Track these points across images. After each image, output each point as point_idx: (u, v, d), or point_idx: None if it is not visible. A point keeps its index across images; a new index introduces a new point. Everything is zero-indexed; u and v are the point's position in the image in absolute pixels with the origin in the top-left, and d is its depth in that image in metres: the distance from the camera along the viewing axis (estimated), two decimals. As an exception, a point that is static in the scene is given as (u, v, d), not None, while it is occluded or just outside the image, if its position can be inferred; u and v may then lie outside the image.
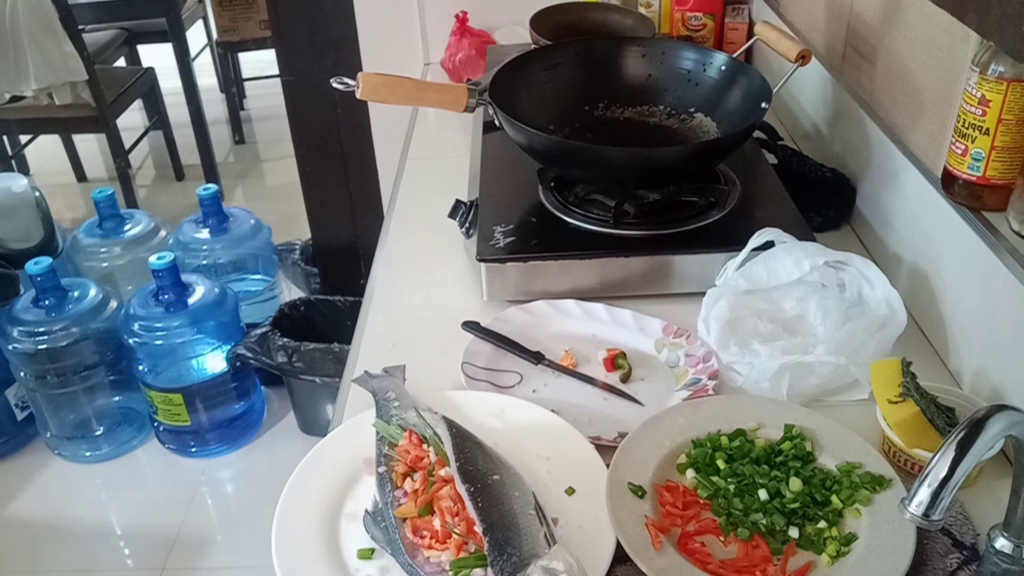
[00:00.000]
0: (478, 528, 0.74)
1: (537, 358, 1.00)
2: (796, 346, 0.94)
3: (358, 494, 0.84)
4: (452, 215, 1.16)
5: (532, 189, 1.19)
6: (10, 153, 3.31)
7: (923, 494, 0.59)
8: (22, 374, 2.16)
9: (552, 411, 0.91)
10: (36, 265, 2.06)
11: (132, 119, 3.56)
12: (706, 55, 1.28)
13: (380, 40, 1.99)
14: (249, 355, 2.12)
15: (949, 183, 0.95)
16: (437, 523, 0.77)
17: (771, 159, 1.31)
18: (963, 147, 0.91)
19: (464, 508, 0.77)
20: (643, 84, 1.32)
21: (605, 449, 0.85)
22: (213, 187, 2.40)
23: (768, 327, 0.99)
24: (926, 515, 0.59)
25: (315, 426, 2.25)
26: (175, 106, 3.51)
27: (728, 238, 1.06)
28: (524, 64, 1.27)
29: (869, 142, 1.17)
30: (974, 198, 0.92)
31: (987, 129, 0.88)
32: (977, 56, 0.87)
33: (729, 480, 0.81)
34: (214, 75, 4.29)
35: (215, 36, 3.98)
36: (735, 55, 1.29)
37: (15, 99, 2.89)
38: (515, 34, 1.85)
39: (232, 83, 3.95)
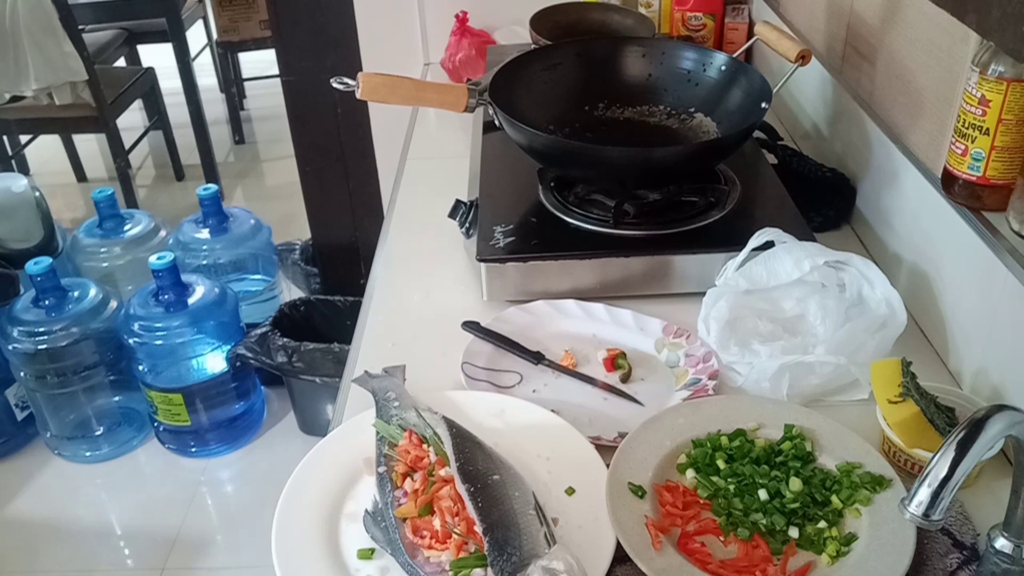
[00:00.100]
0: (478, 528, 0.74)
1: (537, 358, 1.00)
2: (796, 346, 0.94)
3: (358, 494, 0.84)
4: (452, 215, 1.16)
5: (532, 189, 1.19)
6: (10, 153, 3.31)
7: (923, 494, 0.59)
8: (22, 374, 2.16)
9: (552, 411, 0.91)
10: (36, 265, 2.06)
11: (132, 119, 3.56)
12: (706, 55, 1.28)
13: (380, 40, 1.99)
14: (249, 355, 2.12)
15: (949, 183, 0.95)
16: (437, 523, 0.77)
17: (771, 159, 1.31)
18: (963, 147, 0.91)
19: (464, 508, 0.77)
20: (643, 84, 1.32)
21: (605, 449, 0.85)
22: (213, 187, 2.40)
23: (768, 327, 0.99)
24: (926, 515, 0.59)
25: (315, 426, 2.25)
26: (175, 106, 3.51)
27: (728, 238, 1.06)
28: (524, 64, 1.27)
29: (869, 142, 1.17)
30: (974, 198, 0.92)
31: (987, 129, 0.88)
32: (977, 56, 0.87)
33: (729, 480, 0.81)
34: (214, 75, 4.29)
35: (215, 36, 3.98)
36: (735, 55, 1.29)
37: (15, 99, 2.89)
38: (515, 34, 1.85)
39: (232, 83, 3.95)
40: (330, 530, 0.80)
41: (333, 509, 0.82)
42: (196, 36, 4.32)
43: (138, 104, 3.49)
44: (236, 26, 3.73)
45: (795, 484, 0.79)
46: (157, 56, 3.73)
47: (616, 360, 0.99)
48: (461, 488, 0.77)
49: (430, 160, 1.54)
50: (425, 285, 1.16)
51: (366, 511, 0.81)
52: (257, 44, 3.75)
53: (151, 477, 2.24)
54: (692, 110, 1.28)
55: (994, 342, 0.87)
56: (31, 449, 2.30)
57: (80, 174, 3.67)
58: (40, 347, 2.07)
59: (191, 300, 2.10)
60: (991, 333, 0.87)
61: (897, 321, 0.93)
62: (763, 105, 1.13)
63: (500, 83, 1.20)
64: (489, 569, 0.71)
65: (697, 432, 0.86)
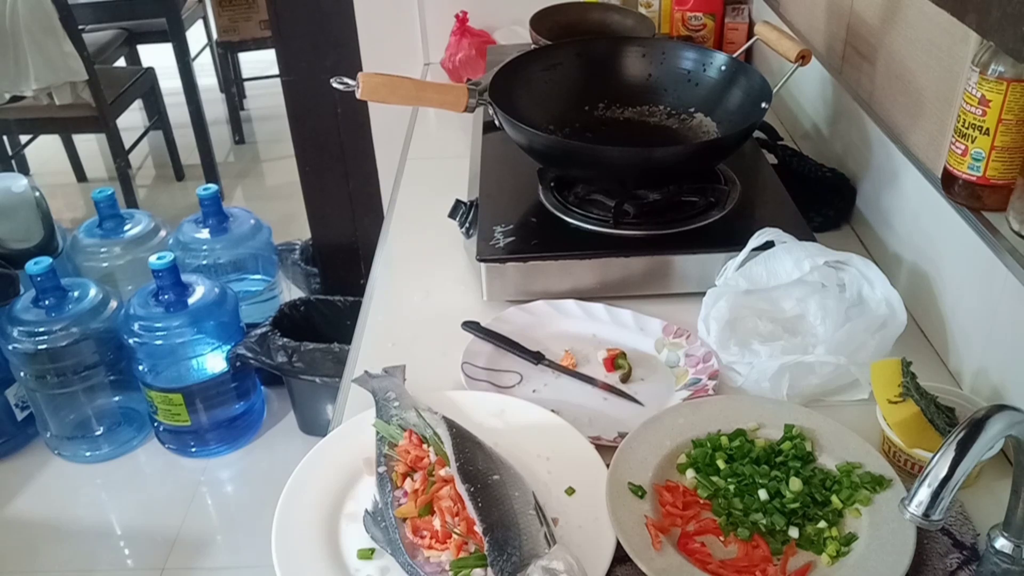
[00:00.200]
0: (478, 528, 0.74)
1: (537, 358, 1.00)
2: (796, 346, 0.94)
3: (358, 494, 0.84)
4: (452, 215, 1.16)
5: (532, 189, 1.19)
6: (10, 153, 3.31)
7: (923, 494, 0.59)
8: (22, 374, 2.16)
9: (552, 411, 0.91)
10: (36, 265, 2.06)
11: (132, 119, 3.56)
12: (706, 55, 1.28)
13: (380, 40, 1.99)
14: (249, 355, 2.12)
15: (949, 183, 0.95)
16: (437, 523, 0.77)
17: (771, 159, 1.31)
18: (963, 147, 0.91)
19: (464, 508, 0.77)
20: (643, 84, 1.32)
21: (605, 449, 0.85)
22: (213, 187, 2.40)
23: (768, 327, 0.99)
24: (926, 515, 0.59)
25: (315, 426, 2.25)
26: (175, 106, 3.51)
27: (728, 238, 1.06)
28: (524, 64, 1.27)
29: (869, 142, 1.17)
30: (974, 198, 0.92)
31: (987, 129, 0.88)
32: (977, 56, 0.87)
33: (729, 480, 0.81)
34: (214, 75, 4.29)
35: (215, 36, 3.98)
36: (735, 55, 1.29)
37: (15, 99, 2.89)
38: (515, 34, 1.85)
39: (232, 83, 3.95)
40: (330, 530, 0.80)
41: (333, 509, 0.82)
42: (196, 36, 4.32)
43: (138, 104, 3.49)
44: (236, 26, 3.73)
45: (795, 484, 0.79)
46: (157, 56, 3.73)
47: (616, 360, 0.99)
48: (461, 488, 0.77)
49: (430, 160, 1.54)
50: (425, 285, 1.16)
51: (366, 511, 0.81)
52: (257, 44, 3.75)
53: (151, 477, 2.24)
54: (692, 110, 1.28)
55: (994, 342, 0.87)
56: (31, 449, 2.30)
57: (80, 174, 3.67)
58: (40, 347, 2.07)
59: (191, 300, 2.10)
60: (991, 333, 0.87)
61: (897, 321, 0.93)
62: (763, 105, 1.13)
63: (500, 83, 1.20)
64: (489, 569, 0.71)
65: (697, 432, 0.86)
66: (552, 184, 1.18)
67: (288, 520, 0.81)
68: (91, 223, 2.47)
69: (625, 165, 1.11)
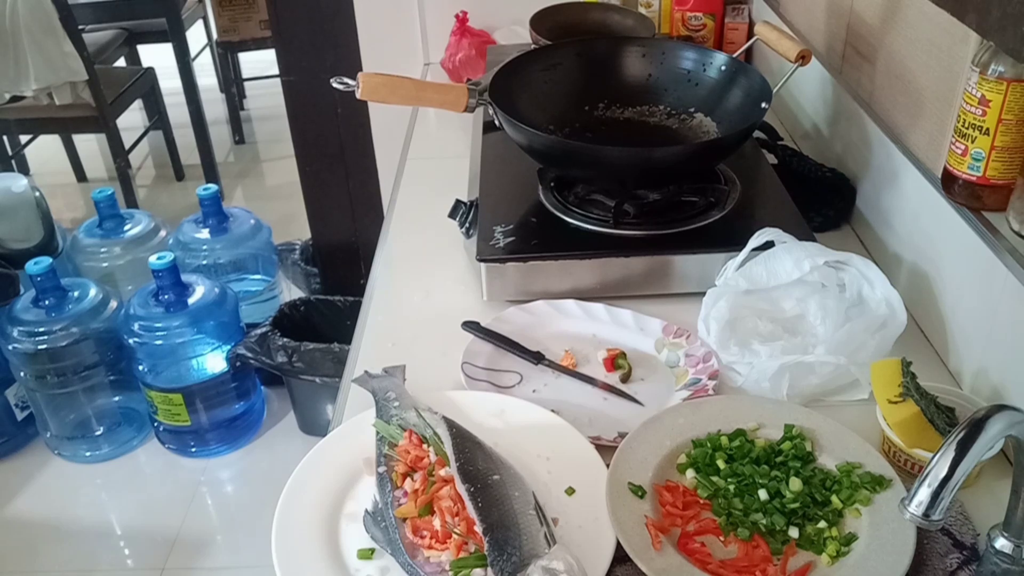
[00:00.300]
0: (478, 528, 0.74)
1: (537, 358, 1.00)
2: (796, 346, 0.94)
3: (358, 494, 0.84)
4: (452, 215, 1.16)
5: (532, 189, 1.19)
6: (10, 153, 3.31)
7: (923, 494, 0.59)
8: (22, 374, 2.16)
9: (552, 411, 0.91)
10: (36, 265, 2.06)
11: (132, 119, 3.56)
12: (706, 55, 1.28)
13: (380, 40, 1.99)
14: (249, 355, 2.12)
15: (949, 183, 0.95)
16: (437, 523, 0.77)
17: (771, 159, 1.31)
18: (963, 147, 0.91)
19: (464, 508, 0.77)
20: (643, 84, 1.32)
21: (605, 449, 0.85)
22: (213, 187, 2.40)
23: (768, 327, 0.99)
24: (926, 515, 0.59)
25: (315, 426, 2.25)
26: (175, 106, 3.51)
27: (728, 238, 1.06)
28: (524, 64, 1.27)
29: (869, 142, 1.17)
30: (974, 198, 0.92)
31: (987, 129, 0.88)
32: (977, 56, 0.87)
33: (729, 480, 0.81)
34: (214, 75, 4.29)
35: (215, 36, 3.98)
36: (735, 55, 1.29)
37: (15, 99, 2.89)
38: (515, 34, 1.85)
39: (232, 83, 3.95)
40: (330, 530, 0.80)
41: (333, 509, 0.82)
42: (196, 36, 4.32)
43: (138, 104, 3.49)
44: (236, 26, 3.73)
45: (795, 484, 0.79)
46: (157, 56, 3.73)
47: (616, 360, 0.99)
48: (461, 488, 0.77)
49: (430, 160, 1.54)
50: (425, 285, 1.16)
51: (366, 511, 0.81)
52: (257, 44, 3.75)
53: (151, 477, 2.24)
54: (692, 110, 1.28)
55: (994, 342, 0.87)
56: (31, 449, 2.30)
57: (80, 174, 3.67)
58: (40, 347, 2.07)
59: (191, 300, 2.10)
60: (991, 333, 0.87)
61: (897, 321, 0.93)
62: (763, 105, 1.13)
63: (500, 83, 1.20)
64: (489, 569, 0.71)
65: (697, 432, 0.86)
66: (552, 184, 1.18)
67: (288, 520, 0.81)
68: (91, 223, 2.47)
69: (625, 165, 1.11)
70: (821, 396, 0.93)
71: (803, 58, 1.18)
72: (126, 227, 2.46)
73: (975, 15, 0.57)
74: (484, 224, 1.12)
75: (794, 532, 0.76)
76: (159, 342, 2.06)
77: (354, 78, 1.12)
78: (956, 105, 0.93)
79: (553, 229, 1.12)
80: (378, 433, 0.87)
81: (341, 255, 2.47)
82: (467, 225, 1.15)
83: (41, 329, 2.07)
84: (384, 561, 0.77)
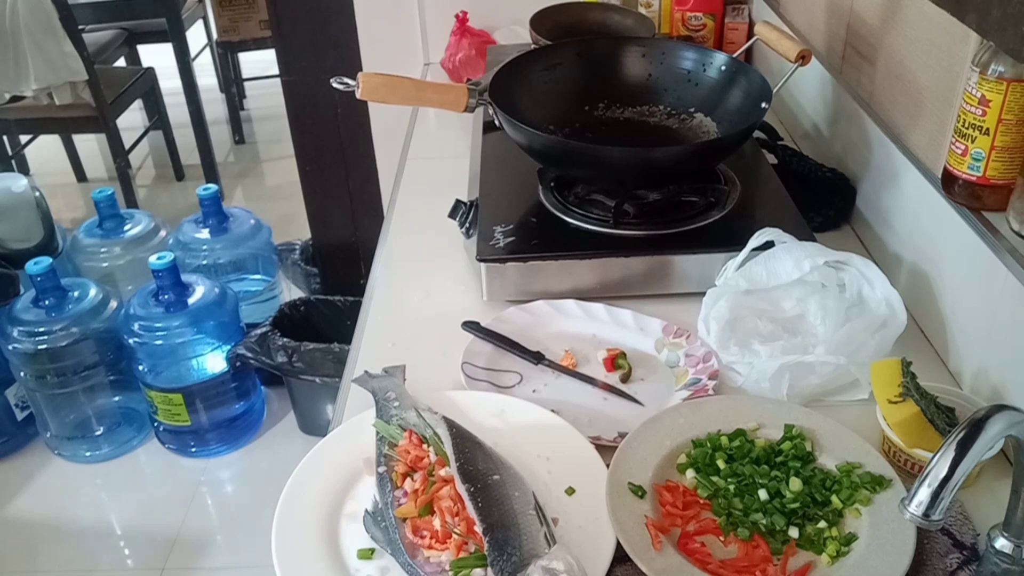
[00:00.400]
0: (478, 528, 0.74)
1: (537, 358, 1.00)
2: (796, 346, 0.94)
3: (358, 494, 0.84)
4: (452, 215, 1.16)
5: (532, 189, 1.19)
6: (10, 153, 3.31)
7: (923, 494, 0.59)
8: (22, 374, 2.16)
9: (552, 411, 0.91)
10: (36, 265, 2.06)
11: (132, 119, 3.56)
12: (706, 55, 1.28)
13: (380, 40, 1.99)
14: (249, 355, 2.12)
15: (949, 183, 0.95)
16: (437, 523, 0.77)
17: (771, 159, 1.31)
18: (963, 147, 0.91)
19: (464, 508, 0.77)
20: (643, 84, 1.32)
21: (605, 449, 0.85)
22: (213, 187, 2.40)
23: (768, 327, 0.99)
24: (926, 515, 0.59)
25: (315, 426, 2.25)
26: (175, 106, 3.51)
27: (728, 238, 1.06)
28: (524, 64, 1.27)
29: (869, 142, 1.17)
30: (974, 198, 0.92)
31: (987, 129, 0.88)
32: (977, 56, 0.87)
33: (729, 480, 0.81)
34: (214, 75, 4.29)
35: (215, 36, 3.98)
36: (735, 55, 1.29)
37: (15, 99, 2.89)
38: (515, 34, 1.85)
39: (232, 83, 3.95)
40: (330, 530, 0.80)
41: (333, 509, 0.82)
42: (196, 36, 4.32)
43: (138, 104, 3.49)
44: (236, 26, 3.73)
45: (795, 484, 0.79)
46: (157, 56, 3.73)
47: (616, 360, 0.99)
48: (461, 488, 0.77)
49: (430, 160, 1.54)
50: (425, 285, 1.16)
51: (366, 511, 0.81)
52: (257, 44, 3.75)
53: (151, 477, 2.24)
54: (692, 110, 1.28)
55: (994, 342, 0.87)
56: (31, 449, 2.30)
57: (80, 174, 3.67)
58: (40, 347, 2.07)
59: (191, 300, 2.10)
60: (991, 333, 0.87)
61: (897, 321, 0.93)
62: (763, 105, 1.13)
63: (500, 83, 1.20)
64: (489, 569, 0.71)
65: (697, 432, 0.86)
66: (552, 184, 1.18)
67: (288, 520, 0.81)
68: (91, 223, 2.47)
69: (625, 165, 1.11)
70: (821, 396, 0.93)
71: (803, 58, 1.18)
72: (126, 227, 2.46)
73: (975, 15, 0.57)
74: (484, 224, 1.12)
75: (794, 532, 0.76)
76: (159, 342, 2.06)
77: (354, 78, 1.12)
78: (956, 105, 0.93)
79: (553, 229, 1.12)
80: (378, 433, 0.87)
81: (341, 255, 2.47)
82: (467, 225, 1.15)
83: (41, 329, 2.07)
84: (384, 561, 0.77)
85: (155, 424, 2.25)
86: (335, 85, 1.15)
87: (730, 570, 0.73)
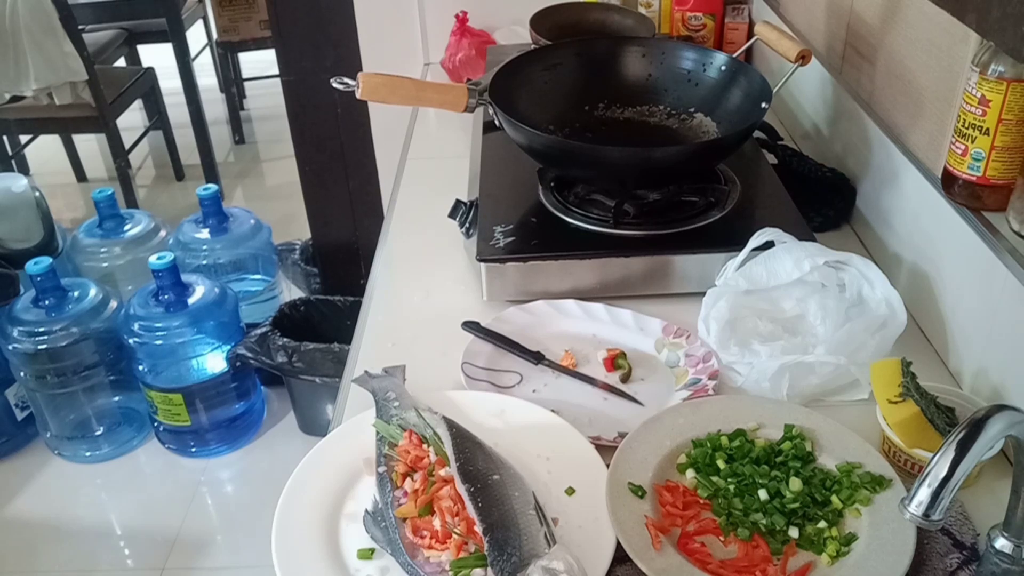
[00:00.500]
0: (478, 528, 0.74)
1: (537, 358, 1.00)
2: (796, 346, 0.94)
3: (358, 494, 0.84)
4: (452, 215, 1.16)
5: (532, 189, 1.19)
6: (10, 153, 3.31)
7: (923, 494, 0.59)
8: (22, 374, 2.16)
9: (552, 411, 0.91)
10: (36, 265, 2.06)
11: (132, 119, 3.56)
12: (706, 55, 1.28)
13: (380, 40, 1.99)
14: (249, 355, 2.12)
15: (949, 183, 0.95)
16: (437, 523, 0.77)
17: (771, 159, 1.31)
18: (963, 147, 0.91)
19: (464, 508, 0.77)
20: (643, 84, 1.32)
21: (605, 449, 0.85)
22: (213, 187, 2.40)
23: (768, 327, 0.99)
24: (926, 515, 0.59)
25: (315, 426, 2.25)
26: (175, 106, 3.51)
27: (728, 238, 1.06)
28: (524, 64, 1.27)
29: (869, 142, 1.17)
30: (974, 198, 0.92)
31: (987, 129, 0.88)
32: (977, 56, 0.87)
33: (729, 480, 0.81)
34: (214, 75, 4.29)
35: (215, 36, 3.98)
36: (735, 55, 1.29)
37: (15, 99, 2.89)
38: (515, 34, 1.85)
39: (232, 83, 3.95)
40: (330, 530, 0.80)
41: (333, 509, 0.82)
42: (196, 36, 4.32)
43: (138, 104, 3.49)
44: (236, 26, 3.73)
45: (795, 484, 0.79)
46: (157, 56, 3.73)
47: (616, 360, 0.99)
48: (461, 488, 0.77)
49: (430, 160, 1.54)
50: (425, 285, 1.16)
51: (366, 511, 0.81)
52: (257, 44, 3.75)
53: (151, 477, 2.24)
54: (692, 110, 1.28)
55: (994, 342, 0.87)
56: (31, 449, 2.30)
57: (80, 174, 3.67)
58: (40, 347, 2.07)
59: (191, 300, 2.10)
60: (991, 333, 0.87)
61: (897, 321, 0.93)
62: (763, 105, 1.13)
63: (500, 83, 1.20)
64: (489, 569, 0.71)
65: (697, 432, 0.86)
66: (552, 184, 1.18)
67: (288, 520, 0.81)
68: (91, 223, 2.47)
69: (625, 165, 1.11)
70: (821, 396, 0.93)
71: (803, 58, 1.18)
72: (126, 227, 2.46)
73: (975, 15, 0.57)
74: (484, 224, 1.12)
75: (794, 532, 0.76)
76: (159, 342, 2.06)
77: (354, 78, 1.12)
78: (956, 105, 0.93)
79: (553, 229, 1.12)
80: (378, 433, 0.87)
81: (341, 255, 2.47)
82: (467, 225, 1.15)
83: (41, 329, 2.07)
84: (384, 561, 0.77)
85: (155, 424, 2.25)
86: (335, 85, 1.15)
87: (730, 570, 0.73)
